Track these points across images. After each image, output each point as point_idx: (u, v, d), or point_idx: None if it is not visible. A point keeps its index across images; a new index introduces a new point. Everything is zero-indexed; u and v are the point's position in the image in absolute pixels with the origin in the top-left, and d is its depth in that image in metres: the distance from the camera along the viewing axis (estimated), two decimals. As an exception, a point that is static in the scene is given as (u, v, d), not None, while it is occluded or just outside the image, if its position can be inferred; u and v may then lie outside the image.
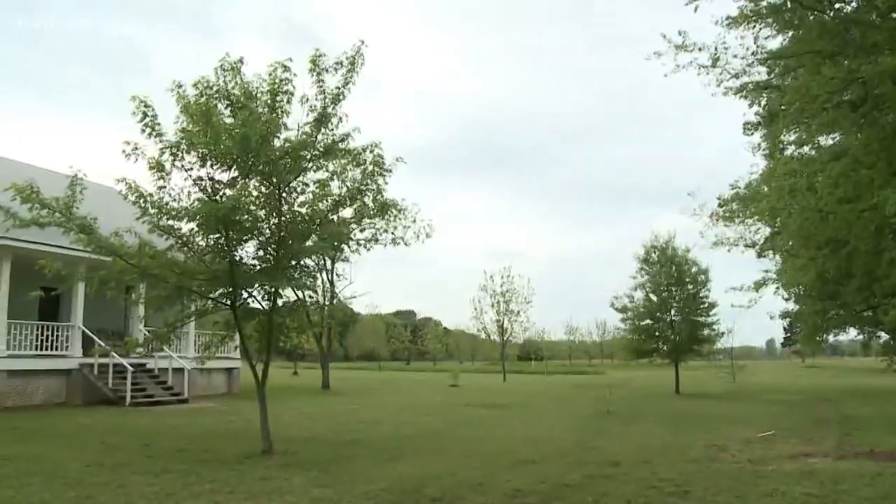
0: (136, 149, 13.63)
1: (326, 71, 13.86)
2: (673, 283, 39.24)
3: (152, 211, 13.99)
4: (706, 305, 39.50)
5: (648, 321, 39.98)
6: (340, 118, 14.12)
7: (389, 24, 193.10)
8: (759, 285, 32.46)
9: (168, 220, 14.24)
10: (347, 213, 15.07)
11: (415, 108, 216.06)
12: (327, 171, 14.89)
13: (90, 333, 26.34)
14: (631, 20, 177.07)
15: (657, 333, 39.87)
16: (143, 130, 13.60)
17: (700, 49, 16.42)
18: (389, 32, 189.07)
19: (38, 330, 25.25)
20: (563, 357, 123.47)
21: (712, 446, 16.11)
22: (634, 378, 60.23)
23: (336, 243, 14.85)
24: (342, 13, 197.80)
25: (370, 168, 14.46)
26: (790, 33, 16.19)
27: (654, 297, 39.77)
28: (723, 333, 41.35)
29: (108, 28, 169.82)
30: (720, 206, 29.04)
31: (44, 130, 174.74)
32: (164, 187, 14.02)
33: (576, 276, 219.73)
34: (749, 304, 33.19)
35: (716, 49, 16.41)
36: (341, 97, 13.99)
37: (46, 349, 25.40)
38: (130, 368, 25.47)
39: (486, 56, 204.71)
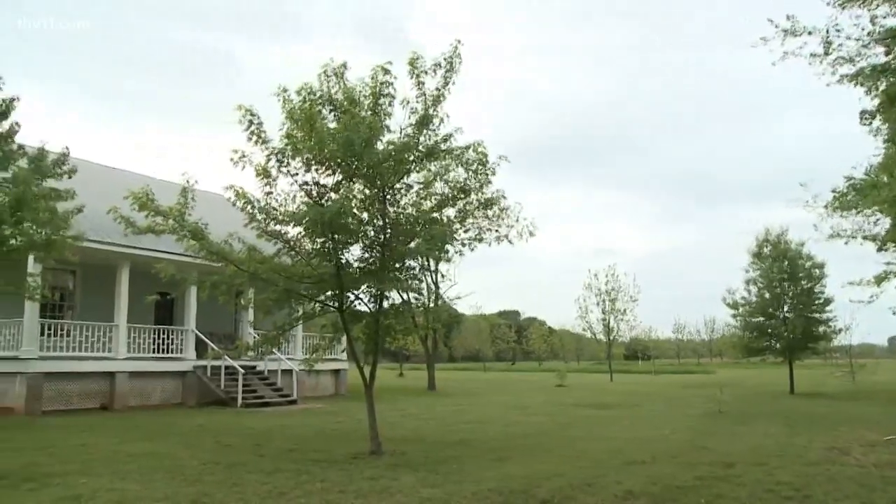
0: (244, 156, 13.94)
1: (425, 73, 13.92)
2: (786, 279, 38.02)
3: (260, 217, 14.34)
4: (821, 301, 38.10)
5: (760, 318, 38.87)
6: (442, 119, 14.15)
7: (470, 19, 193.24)
8: (880, 279, 31.03)
9: (275, 225, 14.56)
10: (451, 212, 15.15)
11: (502, 103, 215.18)
12: (430, 171, 14.99)
13: (203, 337, 27.32)
14: (728, 11, 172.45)
15: (770, 331, 38.71)
16: (250, 138, 13.88)
17: (810, 33, 15.75)
18: (471, 26, 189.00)
19: (154, 333, 26.50)
20: (670, 356, 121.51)
21: (833, 449, 15.49)
22: (746, 377, 58.72)
23: (440, 244, 14.88)
24: (426, 9, 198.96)
25: (473, 167, 14.50)
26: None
27: (766, 293, 38.66)
28: (840, 330, 39.91)
29: (194, 34, 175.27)
30: (835, 197, 27.90)
31: (138, 140, 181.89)
32: (271, 193, 14.32)
33: (682, 271, 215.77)
34: (869, 300, 31.83)
35: (827, 32, 15.72)
36: (441, 98, 14.02)
37: (163, 352, 26.59)
38: (241, 371, 26.35)
39: (571, 48, 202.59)
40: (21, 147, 18.91)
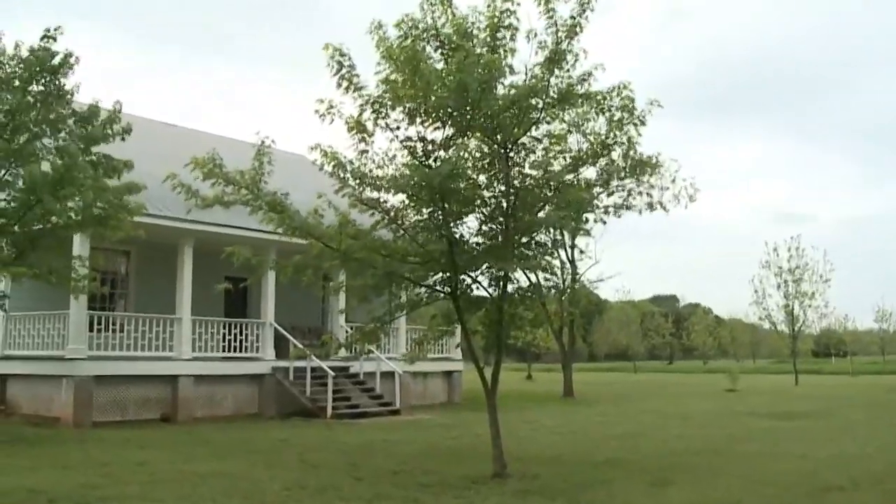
0: (332, 107, 14.19)
1: (558, -4, 13.87)
2: None
3: (353, 182, 14.59)
4: None
5: None
6: (577, 55, 14.04)
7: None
8: None
9: (372, 191, 14.78)
10: (590, 173, 15.17)
11: (653, 31, 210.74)
12: (563, 122, 15.02)
13: (283, 331, 27.87)
14: None
15: None
16: (340, 84, 14.10)
17: None
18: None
19: (225, 328, 27.07)
20: (873, 352, 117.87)
21: None
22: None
23: (577, 212, 14.91)
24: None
25: (618, 116, 14.44)
26: None
27: None
28: None
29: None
30: None
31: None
32: (366, 152, 14.59)
33: (889, 243, 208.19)
34: None
35: None
36: (577, 29, 13.85)
37: (235, 350, 27.20)
38: (331, 373, 26.65)
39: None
40: (74, 112, 19.68)
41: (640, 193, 15.28)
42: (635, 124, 14.45)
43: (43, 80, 18.89)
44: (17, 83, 18.59)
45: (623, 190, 15.24)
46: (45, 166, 18.50)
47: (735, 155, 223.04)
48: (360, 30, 14.24)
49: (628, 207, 15.52)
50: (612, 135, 14.59)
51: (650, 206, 15.47)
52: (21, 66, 18.62)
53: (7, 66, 18.65)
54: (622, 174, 14.86)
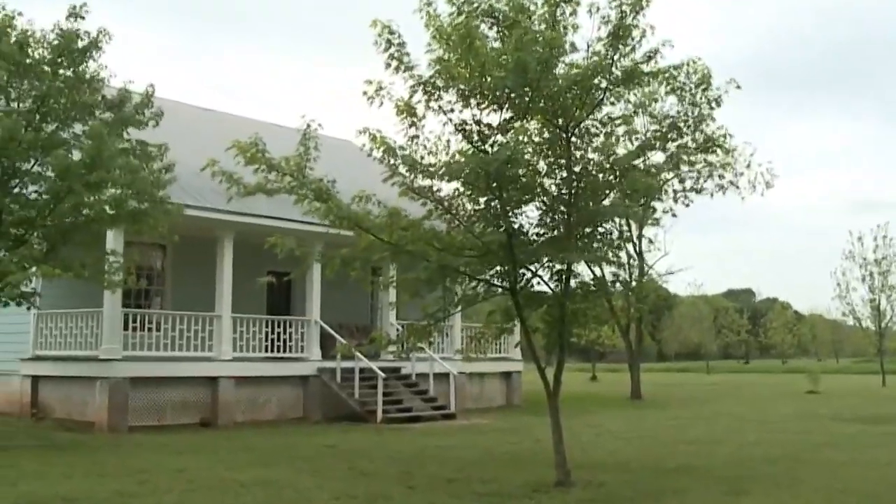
0: (381, 89, 14.28)
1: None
2: None
3: (403, 169, 14.71)
4: None
5: None
6: (644, 31, 13.99)
7: None
8: None
9: (424, 179, 14.88)
10: (659, 157, 15.14)
11: (719, 8, 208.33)
12: (629, 102, 14.99)
13: (330, 330, 27.98)
14: None
15: None
16: (388, 64, 14.20)
17: None
18: None
19: (267, 327, 27.11)
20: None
21: None
22: None
23: (645, 199, 14.88)
24: None
25: (693, 94, 14.38)
26: None
27: None
28: None
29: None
30: None
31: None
32: (417, 137, 14.66)
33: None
34: None
35: None
36: (644, 2, 13.77)
37: (278, 350, 27.27)
38: (381, 374, 26.70)
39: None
40: (104, 98, 19.91)
41: (711, 175, 15.25)
42: (711, 106, 14.43)
43: (72, 63, 19.05)
44: (46, 68, 18.78)
45: (693, 169, 15.21)
46: (76, 155, 18.71)
47: (812, 138, 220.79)
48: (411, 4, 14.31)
49: (699, 191, 15.48)
50: (683, 115, 14.58)
51: (721, 188, 15.44)
52: (48, 49, 18.83)
53: (35, 49, 18.86)
54: (691, 153, 14.85)
